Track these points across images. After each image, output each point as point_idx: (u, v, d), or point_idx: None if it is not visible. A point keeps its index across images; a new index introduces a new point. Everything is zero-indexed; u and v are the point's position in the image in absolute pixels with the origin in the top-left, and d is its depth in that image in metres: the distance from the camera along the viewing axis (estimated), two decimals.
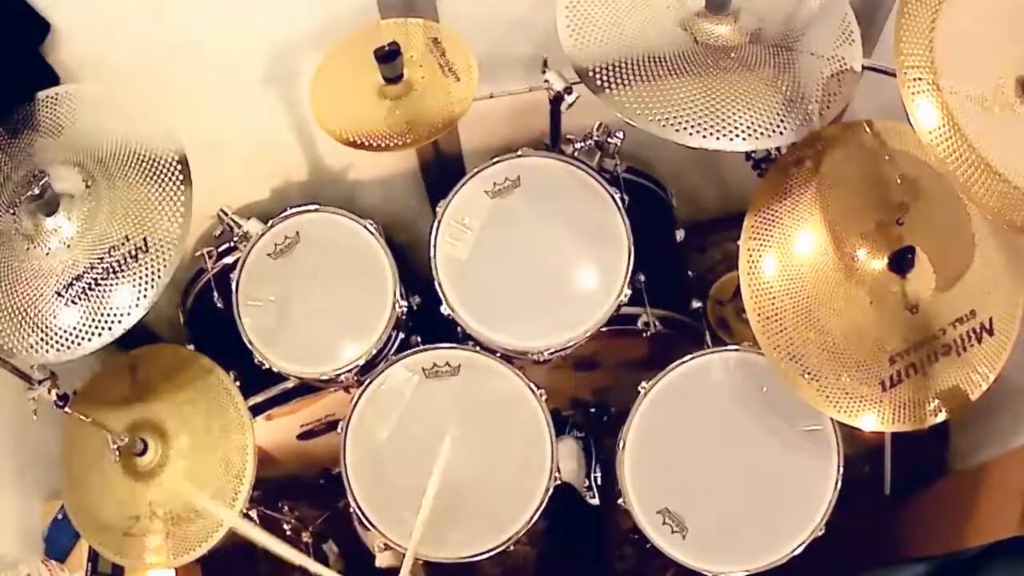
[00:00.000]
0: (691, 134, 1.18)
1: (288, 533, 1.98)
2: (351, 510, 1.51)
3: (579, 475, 1.88)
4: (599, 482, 1.84)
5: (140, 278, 1.23)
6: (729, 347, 1.50)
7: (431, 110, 1.40)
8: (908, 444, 1.72)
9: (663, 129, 1.18)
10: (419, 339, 1.63)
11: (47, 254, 1.26)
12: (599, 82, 1.23)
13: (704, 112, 1.19)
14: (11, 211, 1.29)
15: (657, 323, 1.66)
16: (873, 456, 1.85)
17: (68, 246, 1.26)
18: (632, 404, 1.49)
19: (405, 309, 1.57)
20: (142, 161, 1.30)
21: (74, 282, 1.24)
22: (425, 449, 1.54)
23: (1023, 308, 1.31)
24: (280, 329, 1.55)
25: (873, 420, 1.26)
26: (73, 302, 1.23)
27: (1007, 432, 1.57)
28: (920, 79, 1.03)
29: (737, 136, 1.18)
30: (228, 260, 1.71)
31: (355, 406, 1.54)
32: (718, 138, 1.18)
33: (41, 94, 1.38)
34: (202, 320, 1.83)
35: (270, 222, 1.61)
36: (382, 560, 1.85)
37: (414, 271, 1.72)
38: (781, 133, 1.20)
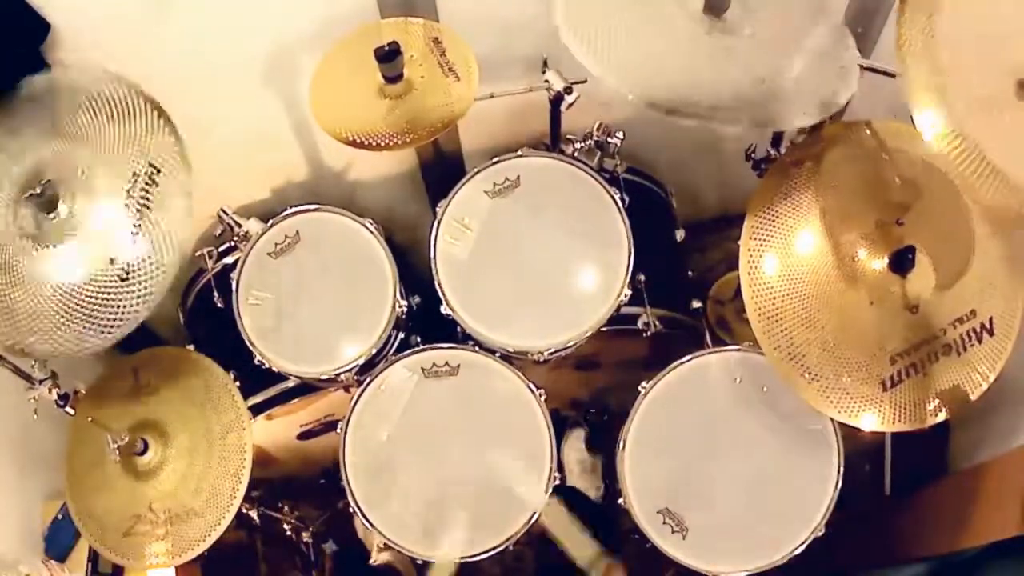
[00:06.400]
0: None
1: (288, 533, 1.99)
2: (351, 510, 1.52)
3: (593, 469, 1.89)
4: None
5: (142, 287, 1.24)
6: (729, 347, 1.50)
7: (431, 110, 1.40)
8: (908, 444, 1.72)
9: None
10: (419, 339, 1.63)
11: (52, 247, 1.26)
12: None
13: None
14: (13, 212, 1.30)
15: (657, 323, 1.66)
16: (873, 456, 1.85)
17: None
18: (632, 404, 1.49)
19: (405, 309, 1.57)
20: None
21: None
22: (425, 449, 1.54)
23: (1023, 308, 1.31)
24: (280, 329, 1.55)
25: (873, 420, 1.27)
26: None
27: (1007, 432, 1.57)
28: (922, 79, 1.03)
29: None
30: (228, 260, 1.71)
31: (355, 406, 1.54)
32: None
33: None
34: (202, 320, 1.83)
35: (270, 222, 1.61)
36: (378, 558, 1.85)
37: (414, 271, 1.72)
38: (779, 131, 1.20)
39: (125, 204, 1.26)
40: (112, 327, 1.25)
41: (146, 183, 1.27)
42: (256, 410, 1.66)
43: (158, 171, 1.28)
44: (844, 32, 1.31)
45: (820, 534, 1.42)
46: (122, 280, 1.24)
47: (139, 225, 1.25)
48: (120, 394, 1.54)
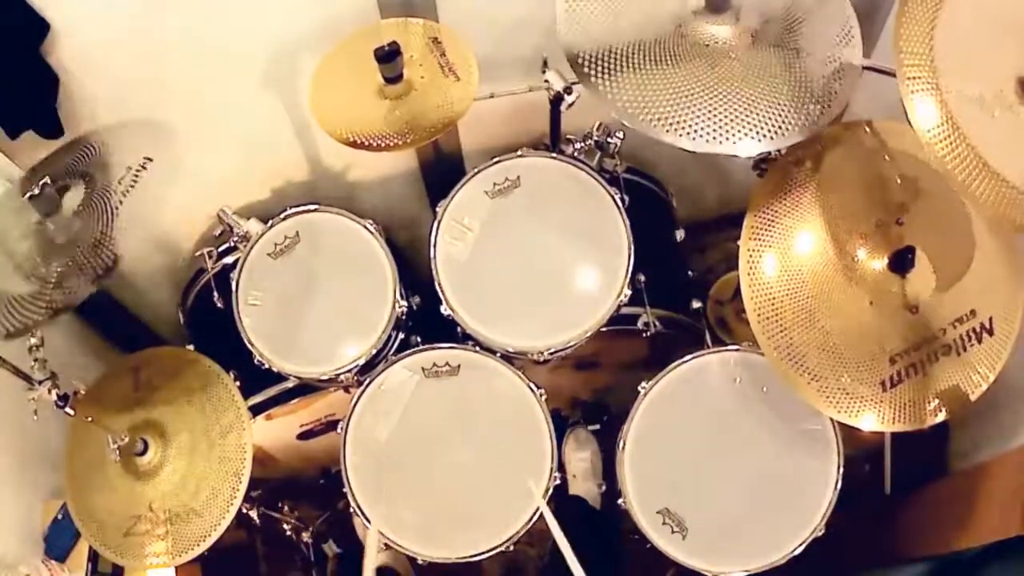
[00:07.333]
0: (693, 138, 1.17)
1: (288, 533, 1.99)
2: (351, 510, 1.52)
3: (593, 468, 1.88)
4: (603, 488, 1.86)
5: None
6: (729, 347, 1.50)
7: (431, 110, 1.40)
8: (908, 444, 1.72)
9: (663, 132, 1.18)
10: (419, 339, 1.63)
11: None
12: (599, 83, 1.22)
13: (703, 113, 1.19)
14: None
15: (657, 323, 1.66)
16: (873, 456, 1.85)
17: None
18: (632, 404, 1.49)
19: (405, 309, 1.57)
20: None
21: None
22: (425, 449, 1.54)
23: (1023, 308, 1.31)
24: (280, 329, 1.56)
25: (873, 420, 1.26)
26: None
27: (1007, 432, 1.57)
28: (919, 78, 1.03)
29: (733, 139, 1.18)
30: (228, 260, 1.71)
31: (355, 406, 1.54)
32: (720, 142, 1.17)
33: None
34: (202, 320, 1.83)
35: (270, 222, 1.61)
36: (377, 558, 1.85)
37: (414, 271, 1.72)
38: (781, 134, 1.20)
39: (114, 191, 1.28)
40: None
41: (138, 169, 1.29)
42: (256, 410, 1.66)
43: (150, 160, 1.29)
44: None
45: (820, 534, 1.42)
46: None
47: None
48: (120, 394, 1.54)
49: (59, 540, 1.63)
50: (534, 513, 1.48)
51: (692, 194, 2.07)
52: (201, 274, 1.80)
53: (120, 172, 1.30)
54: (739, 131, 1.18)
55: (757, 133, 1.19)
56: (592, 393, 2.03)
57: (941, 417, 1.27)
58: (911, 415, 1.26)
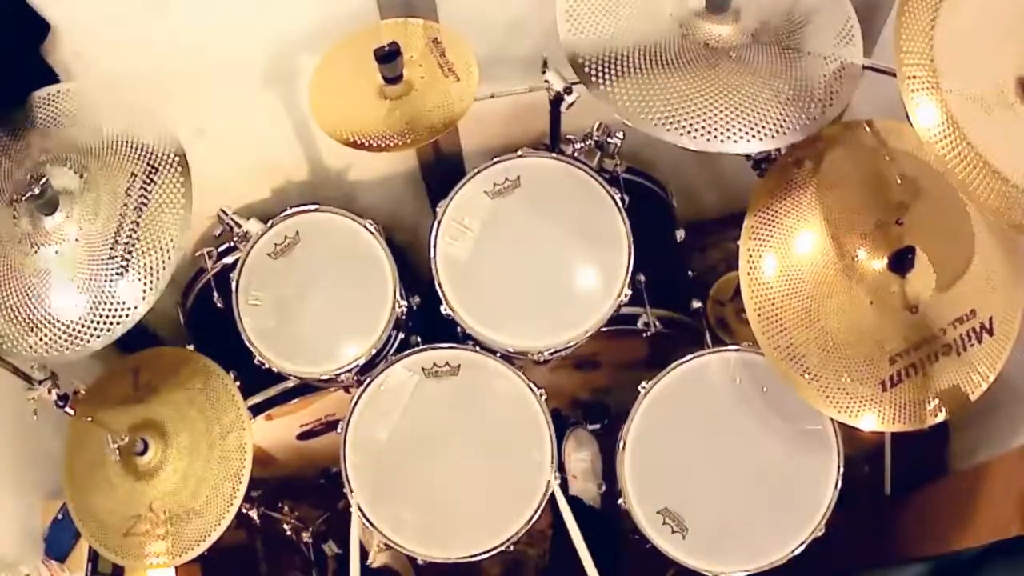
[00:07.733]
0: (694, 137, 1.18)
1: (288, 533, 1.99)
2: (351, 510, 1.52)
3: (593, 468, 1.89)
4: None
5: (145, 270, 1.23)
6: (729, 347, 1.50)
7: (431, 110, 1.40)
8: (908, 444, 1.72)
9: (664, 131, 1.18)
10: (419, 339, 1.63)
11: (56, 253, 1.25)
12: (599, 82, 1.23)
13: (703, 113, 1.19)
14: (12, 214, 1.29)
15: (657, 323, 1.66)
16: (873, 456, 1.85)
17: (76, 240, 1.25)
18: (632, 404, 1.49)
19: (405, 309, 1.57)
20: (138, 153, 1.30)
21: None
22: (425, 449, 1.54)
23: (1023, 308, 1.31)
24: (280, 329, 1.56)
25: (873, 420, 1.26)
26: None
27: (1007, 432, 1.57)
28: (920, 78, 1.03)
29: (734, 137, 1.18)
30: (228, 260, 1.71)
31: (355, 406, 1.54)
32: (721, 140, 1.18)
33: (38, 94, 1.37)
34: (202, 320, 1.83)
35: (270, 222, 1.61)
36: (376, 558, 1.86)
37: (414, 271, 1.72)
38: (781, 134, 1.20)
39: (124, 203, 1.26)
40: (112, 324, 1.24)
41: (144, 182, 1.27)
42: (256, 410, 1.66)
43: (155, 170, 1.28)
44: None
45: (820, 534, 1.42)
46: (119, 275, 1.24)
47: (137, 223, 1.25)
48: (120, 394, 1.54)
49: (59, 540, 1.63)
50: (532, 516, 1.48)
51: (692, 194, 2.07)
52: (201, 274, 1.80)
53: (123, 182, 1.29)
54: (739, 130, 1.18)
55: (757, 132, 1.19)
56: (592, 393, 2.03)
57: (941, 417, 1.27)
58: (911, 415, 1.26)
